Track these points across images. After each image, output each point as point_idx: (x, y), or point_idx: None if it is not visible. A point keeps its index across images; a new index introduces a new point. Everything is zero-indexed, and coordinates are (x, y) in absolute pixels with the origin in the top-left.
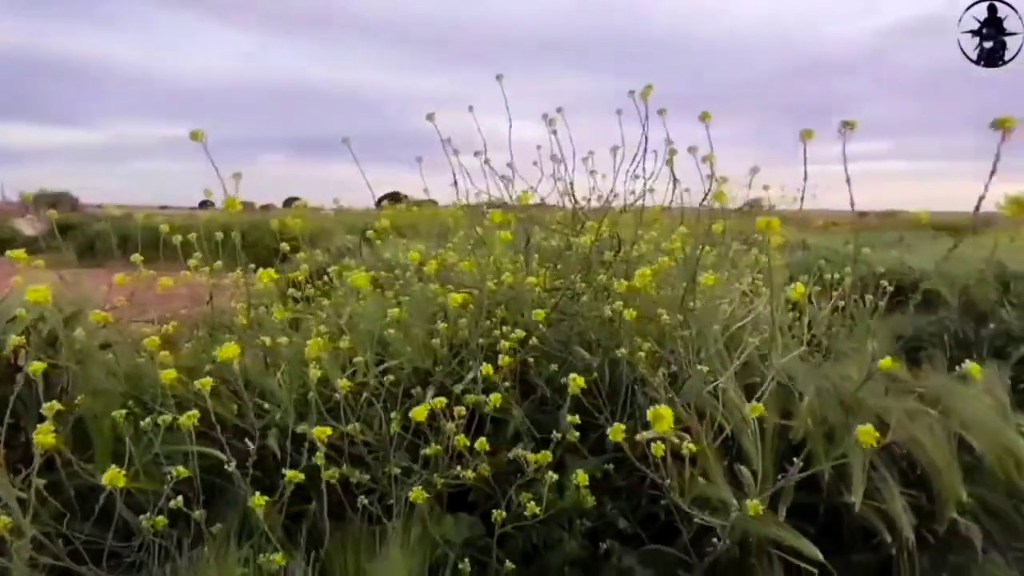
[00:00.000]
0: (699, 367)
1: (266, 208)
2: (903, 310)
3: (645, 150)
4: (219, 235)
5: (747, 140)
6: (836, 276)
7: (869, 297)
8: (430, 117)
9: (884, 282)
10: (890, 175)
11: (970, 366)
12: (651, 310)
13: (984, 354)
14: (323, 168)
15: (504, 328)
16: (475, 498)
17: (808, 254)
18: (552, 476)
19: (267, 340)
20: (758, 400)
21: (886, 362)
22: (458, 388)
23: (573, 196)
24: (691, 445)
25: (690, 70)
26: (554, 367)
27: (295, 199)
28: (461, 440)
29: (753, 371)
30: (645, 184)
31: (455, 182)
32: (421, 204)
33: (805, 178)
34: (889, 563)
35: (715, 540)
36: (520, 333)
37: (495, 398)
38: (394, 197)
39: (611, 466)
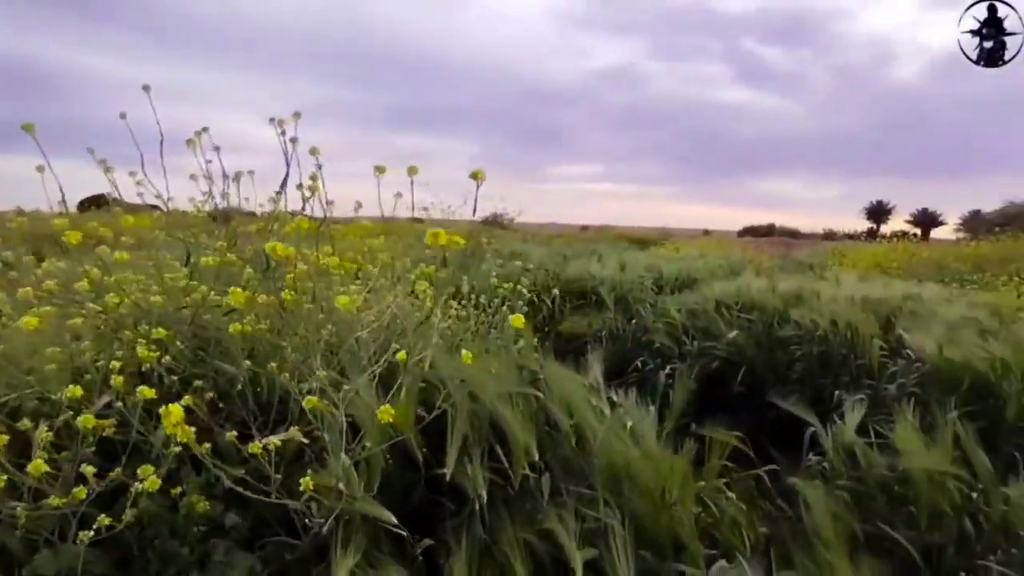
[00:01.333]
0: (319, 372)
1: None
2: (586, 311)
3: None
4: None
5: (483, 156)
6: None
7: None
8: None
9: (555, 289)
10: (605, 195)
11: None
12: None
13: (629, 345)
14: None
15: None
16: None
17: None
18: (151, 487)
19: None
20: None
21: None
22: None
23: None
24: (276, 440)
25: (437, 87)
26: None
27: None
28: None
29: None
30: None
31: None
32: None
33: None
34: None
35: (314, 520)
36: (146, 352)
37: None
38: (97, 201)
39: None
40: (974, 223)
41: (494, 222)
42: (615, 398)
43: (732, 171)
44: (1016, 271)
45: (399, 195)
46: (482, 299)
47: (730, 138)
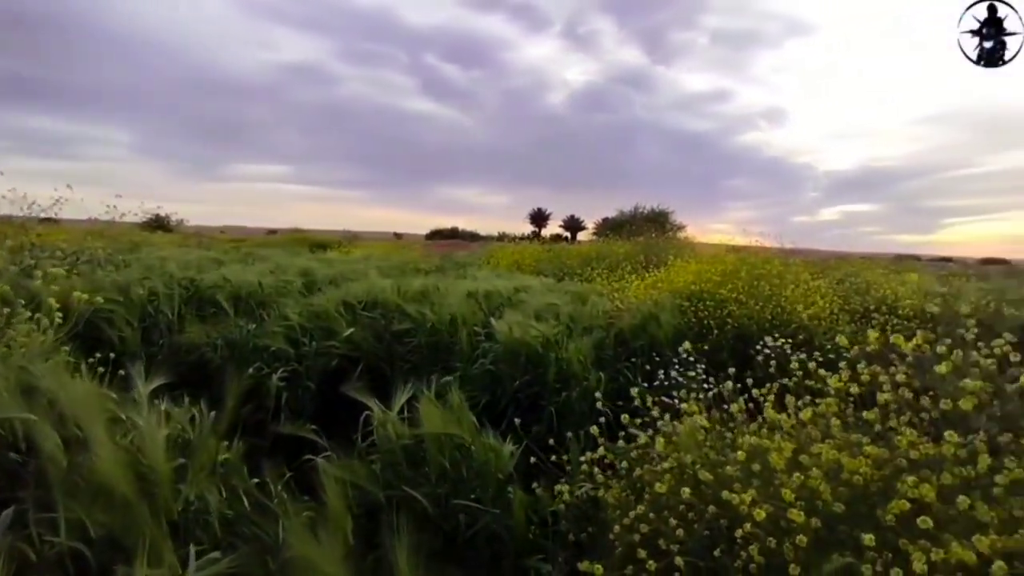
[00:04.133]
0: None
1: None
2: (214, 319)
3: None
4: None
5: (150, 149)
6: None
7: None
8: None
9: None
10: (296, 196)
11: None
12: None
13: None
14: None
15: None
16: None
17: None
18: None
19: None
20: None
21: None
22: None
23: None
24: None
25: (76, 58)
26: None
27: None
28: None
29: None
30: None
31: None
32: None
33: None
34: None
35: None
36: None
37: None
38: None
39: None
40: (604, 227)
41: (157, 224)
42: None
43: (420, 177)
44: (608, 265)
45: None
46: None
47: (418, 145)
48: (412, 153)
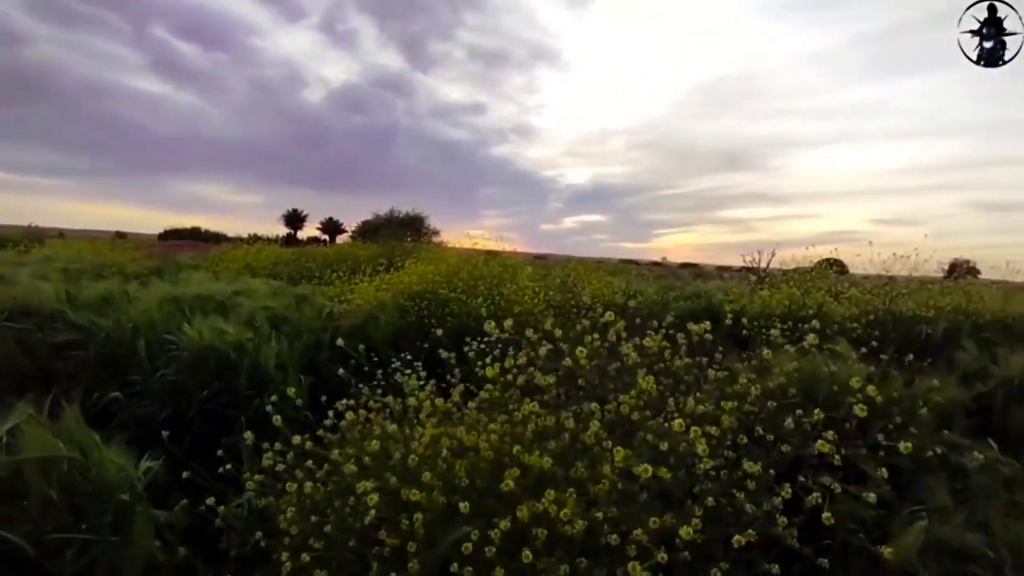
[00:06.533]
0: None
1: None
2: None
3: None
4: None
5: None
6: None
7: None
8: None
9: None
10: None
11: None
12: None
13: None
14: None
15: None
16: None
17: None
18: None
19: None
20: None
21: None
22: None
23: None
24: None
25: None
26: None
27: None
28: None
29: None
30: None
31: None
32: None
33: None
34: None
35: None
36: None
37: None
38: None
39: None
40: (362, 230)
41: None
42: None
43: (153, 169)
44: (351, 268)
45: None
46: None
47: (146, 131)
48: (139, 139)
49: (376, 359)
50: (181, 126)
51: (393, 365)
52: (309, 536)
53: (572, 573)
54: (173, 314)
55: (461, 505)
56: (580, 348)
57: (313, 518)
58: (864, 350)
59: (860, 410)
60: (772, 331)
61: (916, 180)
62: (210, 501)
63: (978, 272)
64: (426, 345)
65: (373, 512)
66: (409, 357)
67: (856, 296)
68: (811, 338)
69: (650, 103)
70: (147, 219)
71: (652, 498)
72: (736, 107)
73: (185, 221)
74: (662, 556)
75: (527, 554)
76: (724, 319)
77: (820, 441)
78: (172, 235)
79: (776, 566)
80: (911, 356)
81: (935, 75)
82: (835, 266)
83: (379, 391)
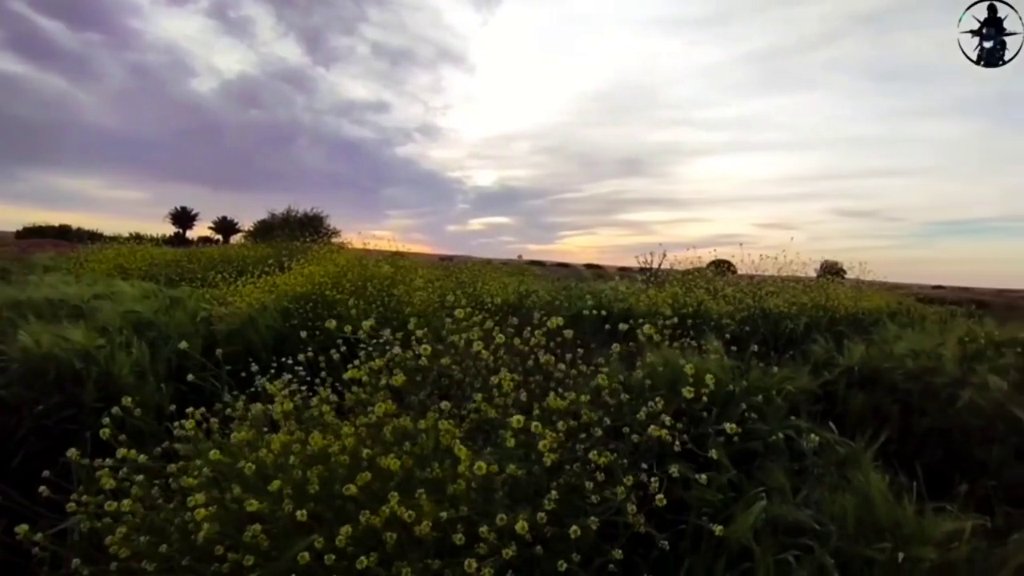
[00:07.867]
0: None
1: None
2: None
3: None
4: None
5: None
6: None
7: None
8: None
9: None
10: None
11: None
12: None
13: None
14: None
15: None
16: None
17: None
18: None
19: None
20: None
21: None
22: None
23: None
24: None
25: None
26: None
27: None
28: None
29: None
30: None
31: None
32: None
33: None
34: None
35: None
36: None
37: None
38: None
39: None
40: (258, 230)
41: None
42: None
43: (10, 158)
44: (238, 269)
45: None
46: None
47: (3, 113)
48: None
49: (255, 365)
50: (46, 112)
51: (272, 371)
52: (142, 559)
53: (423, 574)
54: (13, 320)
55: (299, 513)
56: (426, 347)
57: (143, 538)
58: (735, 348)
59: (687, 392)
60: (646, 327)
61: (790, 188)
62: (21, 528)
63: (844, 272)
64: (310, 350)
65: (206, 527)
66: (290, 362)
67: (730, 295)
68: (647, 328)
69: (552, 109)
70: (6, 216)
71: (505, 495)
72: (634, 116)
73: (52, 218)
74: (507, 552)
75: (362, 560)
76: (613, 317)
77: (653, 427)
78: (34, 233)
79: (619, 551)
80: (776, 349)
81: (804, 94)
82: (724, 266)
83: (243, 398)
